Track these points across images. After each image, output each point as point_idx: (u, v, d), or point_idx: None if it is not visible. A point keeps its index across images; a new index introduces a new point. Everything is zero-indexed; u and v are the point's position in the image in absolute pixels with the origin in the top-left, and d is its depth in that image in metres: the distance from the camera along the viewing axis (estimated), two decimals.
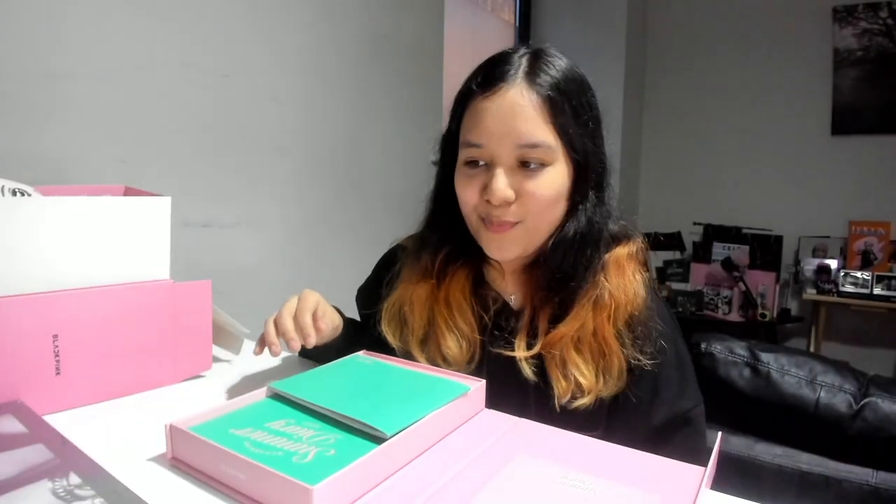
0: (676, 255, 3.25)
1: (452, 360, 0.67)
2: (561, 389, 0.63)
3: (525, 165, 0.63)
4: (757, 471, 0.95)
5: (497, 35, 2.89)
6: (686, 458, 0.57)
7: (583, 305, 0.65)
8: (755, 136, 3.09)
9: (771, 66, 3.01)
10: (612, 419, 0.67)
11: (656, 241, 3.17)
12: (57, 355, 0.60)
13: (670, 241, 3.23)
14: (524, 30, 3.08)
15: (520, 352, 0.66)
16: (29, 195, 0.69)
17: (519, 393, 0.66)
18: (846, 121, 2.87)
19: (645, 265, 0.70)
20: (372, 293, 0.80)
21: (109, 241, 0.65)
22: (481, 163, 0.65)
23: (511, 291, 0.72)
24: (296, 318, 0.65)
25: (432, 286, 0.71)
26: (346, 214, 1.81)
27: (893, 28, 2.75)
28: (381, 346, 0.72)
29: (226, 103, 1.42)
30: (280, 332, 0.64)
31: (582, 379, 0.63)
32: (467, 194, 0.66)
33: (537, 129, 0.62)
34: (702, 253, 3.16)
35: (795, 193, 3.01)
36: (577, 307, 0.66)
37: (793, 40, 2.95)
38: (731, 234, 3.12)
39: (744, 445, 0.97)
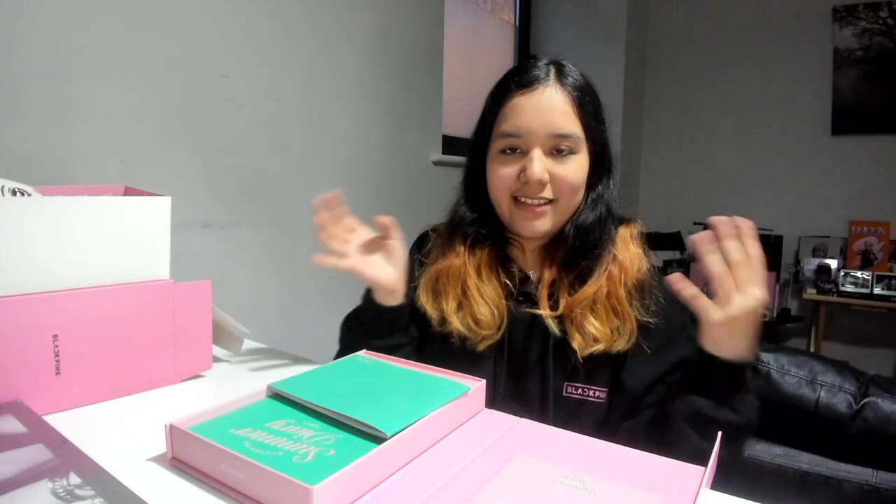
0: (676, 255, 3.25)
1: (484, 324, 0.76)
2: (579, 344, 0.72)
3: (558, 152, 0.73)
4: (757, 471, 0.94)
5: (497, 35, 2.89)
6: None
7: (599, 274, 0.75)
8: (755, 135, 3.09)
9: (771, 66, 3.01)
10: (622, 372, 0.74)
11: (656, 241, 3.17)
12: (57, 355, 0.60)
13: (670, 241, 3.22)
14: (524, 30, 3.08)
15: (545, 311, 0.75)
16: (29, 195, 0.69)
17: (540, 346, 0.76)
18: (846, 121, 2.87)
19: (644, 242, 0.80)
20: (409, 273, 0.86)
21: (109, 241, 0.65)
22: (518, 150, 0.74)
23: (530, 266, 0.81)
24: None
25: (464, 261, 0.79)
26: None
27: (893, 28, 2.75)
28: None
29: (226, 103, 1.42)
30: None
31: (596, 333, 0.72)
32: (503, 178, 0.75)
33: (569, 122, 0.73)
34: None
35: (795, 193, 3.01)
36: (595, 275, 0.75)
37: (793, 40, 2.95)
38: None
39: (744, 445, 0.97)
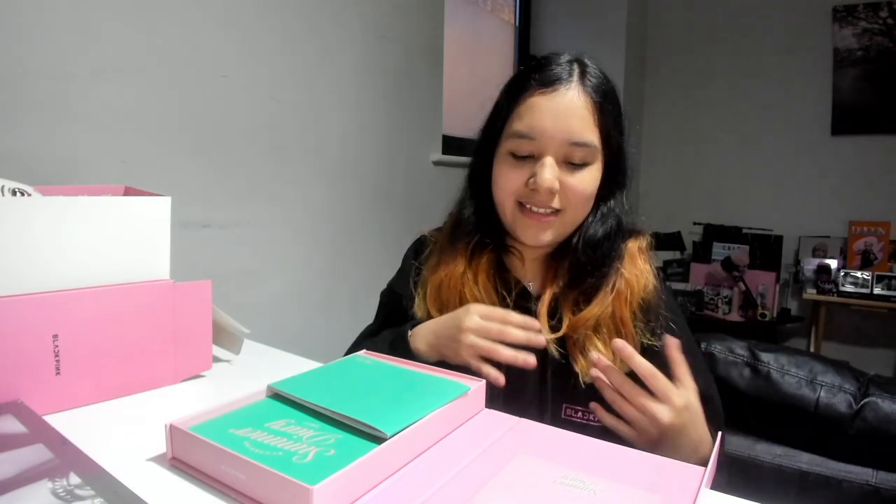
0: (676, 255, 3.25)
1: None
2: (581, 368, 0.68)
3: (570, 161, 0.69)
4: (757, 471, 0.95)
5: (497, 35, 2.89)
6: (712, 432, 0.64)
7: (606, 293, 0.71)
8: (755, 135, 3.09)
9: (771, 67, 3.01)
10: None
11: (656, 241, 3.17)
12: (57, 355, 0.60)
13: (670, 241, 3.23)
14: (524, 30, 3.08)
15: (546, 334, 0.69)
16: (29, 195, 0.69)
17: (540, 365, 0.70)
18: (846, 121, 2.87)
19: (651, 257, 0.76)
20: (407, 283, 0.83)
21: (109, 241, 0.65)
22: (529, 154, 0.69)
23: (529, 278, 0.77)
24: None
25: (465, 268, 0.75)
26: (345, 214, 1.81)
27: (893, 28, 2.75)
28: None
29: (226, 103, 1.42)
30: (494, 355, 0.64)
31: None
32: (510, 181, 0.71)
33: (587, 129, 0.68)
34: (702, 253, 3.17)
35: (795, 193, 3.01)
36: (601, 294, 0.71)
37: (793, 40, 2.95)
38: (731, 234, 3.12)
39: (744, 445, 0.97)
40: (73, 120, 1.12)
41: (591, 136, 0.68)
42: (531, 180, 0.68)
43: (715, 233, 3.15)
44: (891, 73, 2.76)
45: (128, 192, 0.83)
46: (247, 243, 1.51)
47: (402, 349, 0.71)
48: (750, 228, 3.09)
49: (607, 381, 0.61)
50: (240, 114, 1.45)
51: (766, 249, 3.04)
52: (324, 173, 1.72)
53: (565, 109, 0.67)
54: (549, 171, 0.67)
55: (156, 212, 0.69)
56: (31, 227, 0.60)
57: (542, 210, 0.70)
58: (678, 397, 0.60)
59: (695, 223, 3.25)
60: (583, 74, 0.70)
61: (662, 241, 3.20)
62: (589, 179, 0.70)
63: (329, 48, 1.69)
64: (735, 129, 3.14)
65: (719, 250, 3.08)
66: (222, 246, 1.44)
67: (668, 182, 3.37)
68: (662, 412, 0.59)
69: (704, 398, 0.70)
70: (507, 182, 0.71)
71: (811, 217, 2.97)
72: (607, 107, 0.70)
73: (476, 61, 2.61)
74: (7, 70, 1.02)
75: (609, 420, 0.62)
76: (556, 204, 0.69)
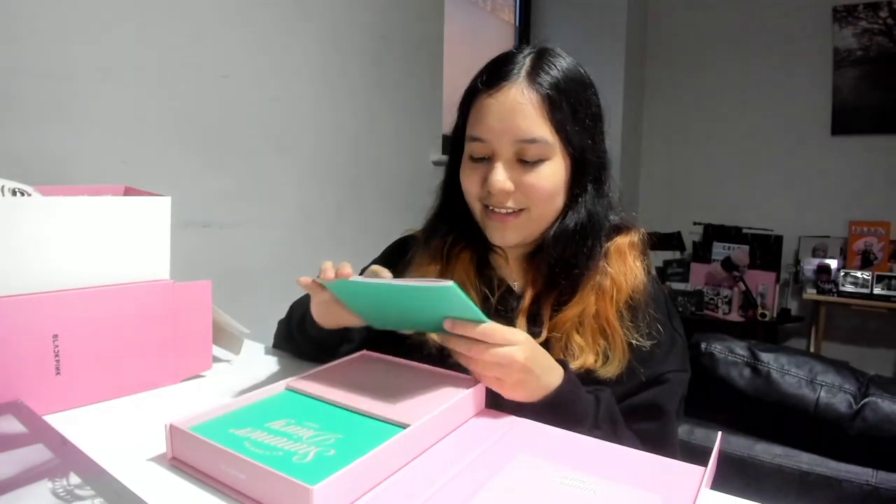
0: (676, 255, 3.25)
1: None
2: None
3: (523, 159, 0.67)
4: (757, 471, 0.95)
5: (497, 35, 2.89)
6: (648, 413, 0.65)
7: (586, 291, 0.69)
8: (755, 135, 3.09)
9: (771, 66, 3.01)
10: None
11: (656, 241, 3.17)
12: (57, 355, 0.60)
13: (670, 241, 3.23)
14: (524, 30, 3.09)
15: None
16: (29, 195, 0.69)
17: None
18: (846, 121, 2.87)
19: (645, 253, 0.74)
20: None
21: (109, 241, 0.65)
22: (484, 156, 0.69)
23: (514, 278, 0.76)
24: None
25: (441, 268, 0.75)
26: (346, 214, 1.81)
27: (893, 28, 2.75)
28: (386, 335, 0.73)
29: (226, 103, 1.42)
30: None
31: (580, 358, 0.66)
32: (471, 185, 0.71)
33: (535, 125, 0.66)
34: (702, 253, 3.16)
35: (795, 193, 3.01)
36: (580, 293, 0.69)
37: (793, 40, 2.95)
38: (731, 234, 3.12)
39: (744, 445, 0.97)
40: (73, 120, 1.12)
41: (541, 130, 0.66)
42: (486, 182, 0.68)
43: (715, 233, 3.15)
44: (891, 73, 2.76)
45: (128, 192, 0.83)
46: (247, 243, 1.51)
47: (309, 321, 0.72)
48: (750, 228, 3.09)
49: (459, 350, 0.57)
50: (239, 114, 1.45)
51: (766, 249, 3.04)
52: (323, 173, 1.72)
53: (510, 108, 0.66)
54: (499, 173, 0.67)
55: (156, 212, 0.69)
56: (31, 228, 0.60)
57: (503, 210, 0.69)
58: (518, 333, 0.57)
59: (695, 223, 3.25)
60: (533, 69, 0.67)
61: (662, 241, 3.20)
62: (547, 175, 0.67)
63: (329, 48, 1.69)
64: (735, 129, 3.14)
65: (719, 250, 3.08)
66: (222, 246, 1.44)
67: (668, 182, 3.37)
68: (515, 351, 0.56)
69: (659, 381, 0.69)
70: (468, 186, 0.71)
71: (811, 217, 2.97)
72: (559, 98, 0.67)
73: (476, 62, 2.60)
74: (7, 70, 1.02)
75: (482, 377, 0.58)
76: (512, 204, 0.68)
